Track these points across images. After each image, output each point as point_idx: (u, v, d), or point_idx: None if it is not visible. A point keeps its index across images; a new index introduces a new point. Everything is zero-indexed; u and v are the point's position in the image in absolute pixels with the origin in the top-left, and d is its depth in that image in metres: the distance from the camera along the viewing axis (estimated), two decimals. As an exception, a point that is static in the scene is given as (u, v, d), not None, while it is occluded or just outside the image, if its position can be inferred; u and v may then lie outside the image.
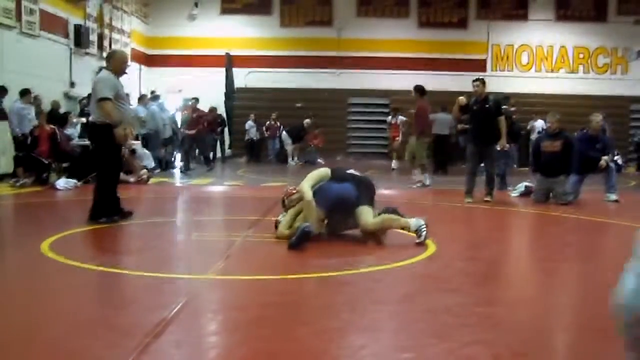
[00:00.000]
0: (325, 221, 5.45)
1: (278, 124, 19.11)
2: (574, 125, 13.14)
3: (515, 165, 14.49)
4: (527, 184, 9.68)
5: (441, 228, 5.89)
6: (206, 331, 3.14)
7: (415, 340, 2.92)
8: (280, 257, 4.85)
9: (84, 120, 11.56)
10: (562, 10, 21.48)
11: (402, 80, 17.95)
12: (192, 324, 3.22)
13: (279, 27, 21.37)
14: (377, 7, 21.32)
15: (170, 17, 21.15)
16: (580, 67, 21.71)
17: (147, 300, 3.61)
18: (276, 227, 5.67)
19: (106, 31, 17.18)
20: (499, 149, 9.08)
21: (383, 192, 8.39)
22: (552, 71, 21.72)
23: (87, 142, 9.84)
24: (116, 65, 6.41)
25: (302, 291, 3.96)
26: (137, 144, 11.87)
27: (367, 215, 5.34)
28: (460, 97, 8.99)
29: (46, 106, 12.38)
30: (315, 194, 5.32)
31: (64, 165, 10.92)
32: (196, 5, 21.10)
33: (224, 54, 20.49)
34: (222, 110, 19.12)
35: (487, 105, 8.75)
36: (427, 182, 11.03)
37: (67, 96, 14.97)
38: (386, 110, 19.46)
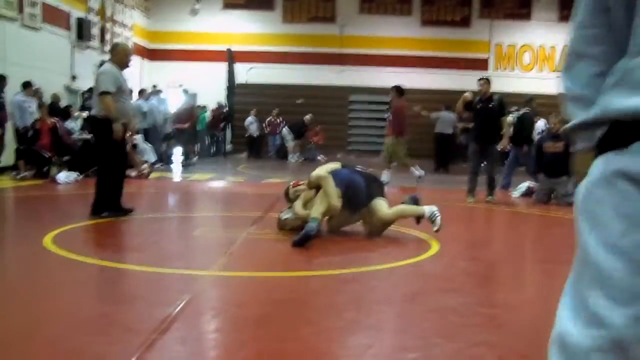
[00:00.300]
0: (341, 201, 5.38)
1: (279, 120, 19.09)
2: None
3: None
4: (529, 184, 9.68)
5: (444, 227, 5.88)
6: (211, 328, 3.14)
7: (421, 340, 2.92)
8: (283, 255, 4.84)
9: (84, 115, 11.53)
10: (566, 10, 21.43)
11: (403, 78, 17.89)
12: (197, 321, 3.21)
13: (281, 23, 21.32)
14: (380, 4, 21.27)
15: (172, 11, 21.09)
16: (582, 68, 21.66)
17: (151, 296, 3.60)
18: (279, 224, 5.68)
19: (108, 25, 17.13)
20: (499, 149, 9.08)
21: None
22: (554, 72, 21.69)
23: (88, 135, 9.87)
24: (120, 58, 6.36)
25: (306, 289, 3.95)
26: (138, 139, 11.85)
27: (383, 207, 5.50)
28: (466, 93, 8.99)
29: (47, 99, 12.34)
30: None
31: (65, 158, 10.89)
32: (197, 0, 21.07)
33: (225, 49, 20.45)
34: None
35: (490, 105, 8.74)
36: (417, 172, 11.04)
37: (69, 89, 14.92)
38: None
